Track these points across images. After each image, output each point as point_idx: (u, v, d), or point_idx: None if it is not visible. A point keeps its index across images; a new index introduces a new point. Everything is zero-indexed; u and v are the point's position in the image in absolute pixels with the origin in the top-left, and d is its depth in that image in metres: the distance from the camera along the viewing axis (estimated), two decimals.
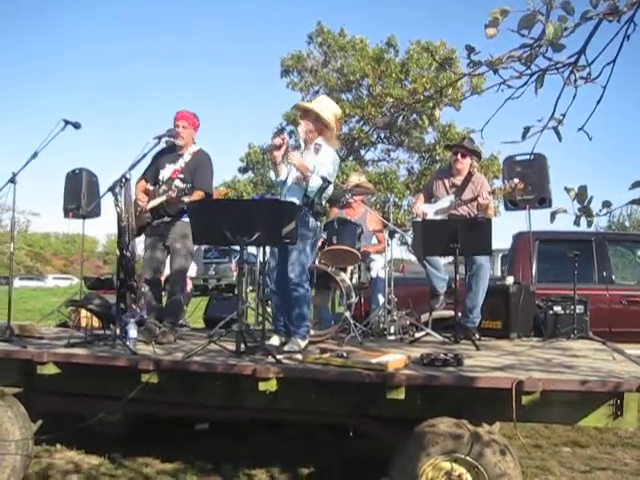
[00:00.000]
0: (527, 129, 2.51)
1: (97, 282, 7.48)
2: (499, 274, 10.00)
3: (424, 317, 6.57)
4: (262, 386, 4.04)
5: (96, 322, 6.14)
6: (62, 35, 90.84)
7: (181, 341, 5.51)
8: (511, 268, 7.78)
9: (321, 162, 5.12)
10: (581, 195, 2.24)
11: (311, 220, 5.12)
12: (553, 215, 2.27)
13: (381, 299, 6.53)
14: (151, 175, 5.78)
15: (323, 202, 5.22)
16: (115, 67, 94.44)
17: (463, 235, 5.38)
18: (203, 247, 11.36)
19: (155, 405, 4.71)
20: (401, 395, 3.84)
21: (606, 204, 2.23)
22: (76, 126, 5.45)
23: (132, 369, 4.32)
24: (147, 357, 4.43)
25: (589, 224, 2.30)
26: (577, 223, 2.30)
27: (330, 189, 5.17)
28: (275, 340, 5.22)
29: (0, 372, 4.88)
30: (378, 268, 6.70)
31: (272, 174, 5.35)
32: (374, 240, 7.13)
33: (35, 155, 5.31)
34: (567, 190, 2.25)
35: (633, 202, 2.27)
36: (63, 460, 5.33)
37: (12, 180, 5.22)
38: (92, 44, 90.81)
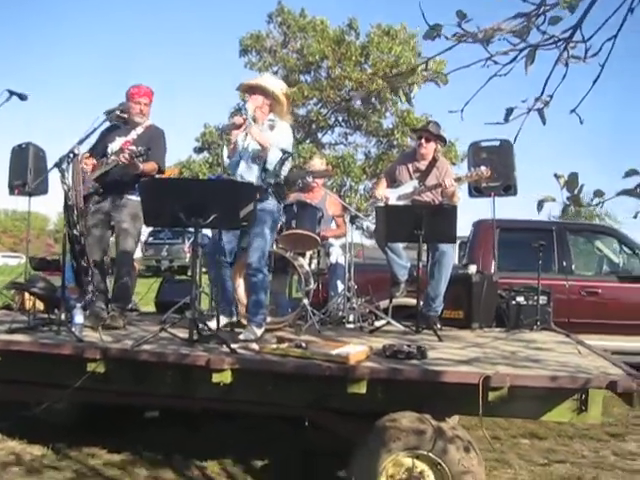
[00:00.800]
0: (510, 110, 2.33)
1: (43, 262, 7.12)
2: (456, 261, 9.89)
3: (383, 304, 6.40)
4: (216, 378, 3.83)
5: (41, 305, 5.82)
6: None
7: (131, 327, 5.25)
8: (471, 256, 7.66)
9: (278, 137, 4.93)
10: (571, 183, 2.06)
11: (271, 201, 4.91)
12: (541, 204, 2.08)
13: (340, 286, 6.32)
14: (98, 151, 5.43)
15: (282, 176, 4.99)
16: None
17: (427, 222, 5.19)
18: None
19: (102, 394, 4.45)
20: (362, 389, 3.67)
21: (598, 193, 2.06)
22: (22, 97, 5.12)
23: (77, 357, 4.06)
24: (94, 345, 4.17)
25: (577, 213, 2.13)
26: (565, 212, 2.12)
27: (288, 164, 4.96)
28: (222, 320, 5.00)
29: None
30: (337, 254, 6.49)
31: (225, 154, 5.07)
32: (333, 225, 6.93)
33: None
34: (557, 177, 2.07)
35: (624, 192, 2.11)
36: (3, 451, 5.00)
37: None
38: None
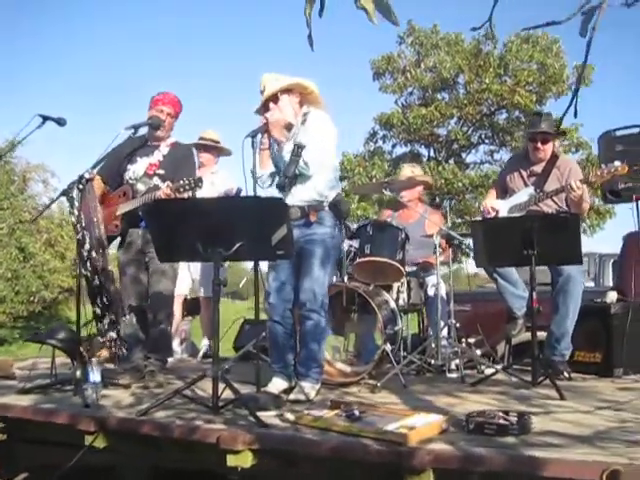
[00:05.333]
0: None
1: None
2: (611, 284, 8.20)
3: (500, 348, 5.13)
4: (231, 460, 2.83)
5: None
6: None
7: (178, 381, 4.36)
8: (618, 279, 6.14)
9: (308, 129, 3.86)
10: None
11: (321, 227, 3.84)
12: None
13: (441, 324, 5.07)
14: (111, 171, 4.55)
15: (296, 183, 3.87)
16: None
17: (541, 237, 3.90)
18: None
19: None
20: None
21: None
22: (60, 123, 4.38)
23: (73, 429, 3.24)
24: (91, 414, 3.31)
25: None
26: None
27: (311, 168, 3.77)
28: (277, 384, 3.90)
29: None
30: (434, 284, 5.15)
31: (257, 165, 3.84)
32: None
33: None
34: None
35: None
36: None
37: None
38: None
